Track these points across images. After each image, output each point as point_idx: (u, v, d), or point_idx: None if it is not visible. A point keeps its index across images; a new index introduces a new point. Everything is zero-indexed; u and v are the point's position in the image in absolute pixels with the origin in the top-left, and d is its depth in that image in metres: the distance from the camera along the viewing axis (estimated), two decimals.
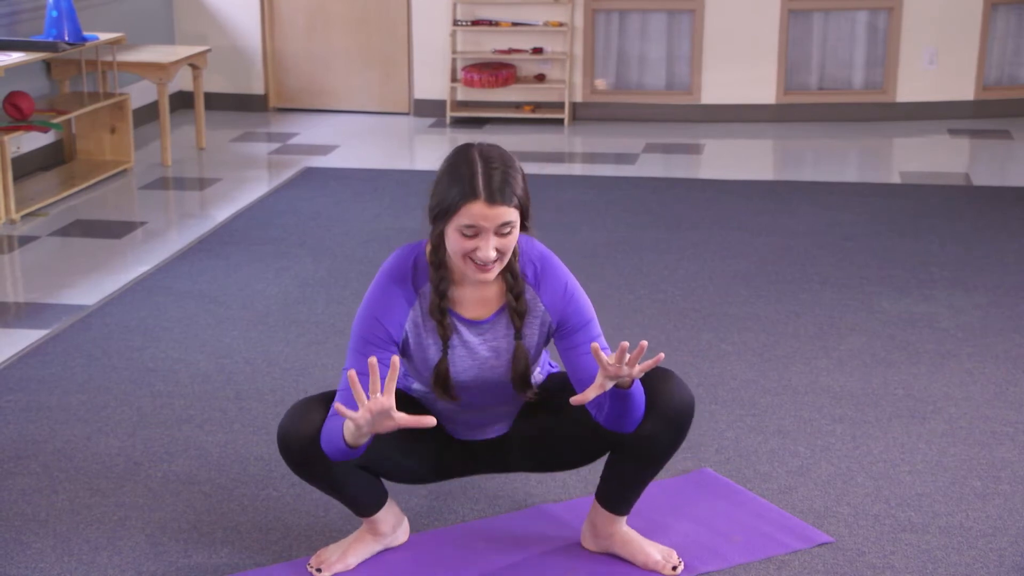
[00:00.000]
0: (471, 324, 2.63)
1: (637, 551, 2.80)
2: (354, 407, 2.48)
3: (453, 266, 2.59)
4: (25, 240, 5.40)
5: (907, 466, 3.28)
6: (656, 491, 3.04)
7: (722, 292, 4.62)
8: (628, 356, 2.39)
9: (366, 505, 2.79)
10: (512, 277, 2.61)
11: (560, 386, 2.75)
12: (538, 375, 2.80)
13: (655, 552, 2.79)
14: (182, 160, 6.86)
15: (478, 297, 2.63)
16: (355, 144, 7.27)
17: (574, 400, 2.46)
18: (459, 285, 2.62)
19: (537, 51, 7.70)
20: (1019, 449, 3.38)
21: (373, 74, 8.05)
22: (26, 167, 6.33)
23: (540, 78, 7.77)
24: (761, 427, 3.50)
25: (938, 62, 7.68)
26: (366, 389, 2.48)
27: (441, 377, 2.64)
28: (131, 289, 4.70)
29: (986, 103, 7.76)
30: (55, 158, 6.62)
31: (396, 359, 2.37)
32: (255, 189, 6.23)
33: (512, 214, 2.50)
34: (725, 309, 4.44)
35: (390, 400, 2.36)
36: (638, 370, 2.42)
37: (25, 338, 4.22)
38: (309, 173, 6.50)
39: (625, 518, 2.81)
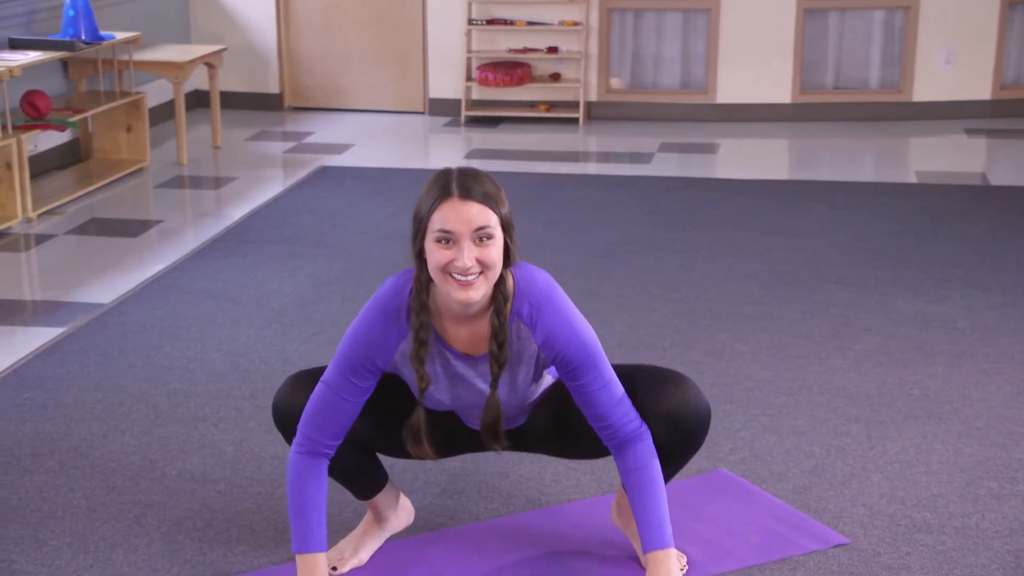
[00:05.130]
0: (464, 358, 2.57)
1: None
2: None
3: (443, 303, 2.50)
4: (42, 238, 5.42)
5: (923, 467, 3.27)
6: (672, 492, 3.02)
7: (736, 292, 4.61)
8: None
9: (363, 488, 2.79)
10: (499, 322, 2.48)
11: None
12: (548, 378, 2.74)
13: None
14: (198, 159, 6.88)
15: (471, 334, 2.55)
16: (370, 143, 7.28)
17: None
18: (453, 321, 2.54)
19: (552, 50, 7.70)
20: None
21: (388, 73, 8.05)
22: (43, 166, 6.36)
23: (555, 77, 7.76)
24: (776, 427, 3.50)
25: (955, 61, 7.66)
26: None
27: (414, 431, 2.59)
28: (147, 288, 4.71)
29: (1003, 103, 7.73)
30: (72, 157, 6.65)
31: None
32: (270, 188, 6.24)
33: (489, 217, 2.40)
34: (739, 309, 4.44)
35: None
36: None
37: (41, 336, 4.24)
38: (324, 172, 6.51)
39: None
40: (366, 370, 2.54)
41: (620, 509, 2.87)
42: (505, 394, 2.60)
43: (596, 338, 2.56)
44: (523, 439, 2.78)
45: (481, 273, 2.41)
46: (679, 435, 2.62)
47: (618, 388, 2.57)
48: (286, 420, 2.66)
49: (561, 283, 2.64)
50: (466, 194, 2.40)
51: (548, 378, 2.74)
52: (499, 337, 2.49)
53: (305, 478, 2.57)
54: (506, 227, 2.45)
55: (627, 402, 2.58)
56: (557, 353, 2.52)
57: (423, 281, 2.48)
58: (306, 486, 2.56)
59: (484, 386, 2.58)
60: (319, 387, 2.57)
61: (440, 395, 2.61)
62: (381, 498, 2.82)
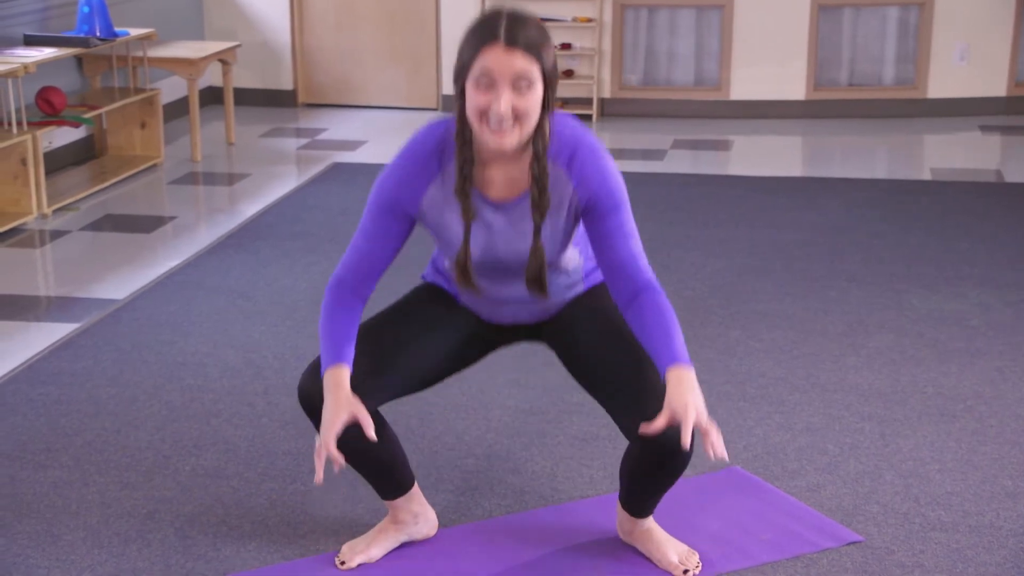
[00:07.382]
0: (495, 205, 2.54)
1: (654, 549, 2.78)
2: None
3: (479, 143, 2.48)
4: (56, 235, 5.44)
5: (937, 464, 3.26)
6: (685, 489, 3.03)
7: (750, 289, 4.61)
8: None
9: (387, 486, 2.78)
10: (539, 167, 2.47)
11: (603, 303, 2.67)
12: (578, 259, 2.68)
13: (672, 553, 2.77)
14: (212, 155, 6.89)
15: (505, 177, 2.53)
16: (383, 139, 7.28)
17: (642, 431, 2.44)
18: (487, 164, 2.52)
19: (566, 47, 7.69)
20: None
21: (401, 70, 8.06)
22: (57, 162, 6.38)
23: (568, 74, 7.76)
24: (789, 425, 3.49)
25: (969, 58, 7.63)
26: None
27: (461, 265, 2.56)
28: (161, 284, 4.73)
29: (1018, 99, 7.70)
30: (86, 153, 6.67)
31: (341, 463, 2.45)
32: (284, 184, 6.25)
33: (531, 67, 2.37)
34: (753, 306, 4.43)
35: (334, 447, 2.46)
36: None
37: (56, 332, 4.25)
38: (337, 168, 6.52)
39: (646, 519, 2.80)
40: (392, 212, 2.53)
41: (620, 524, 2.86)
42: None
43: (625, 187, 2.54)
44: (561, 331, 2.73)
45: (516, 122, 2.41)
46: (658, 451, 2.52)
47: (639, 245, 2.54)
48: (313, 403, 2.60)
49: None
50: (512, 42, 2.38)
51: (574, 254, 2.68)
52: (540, 183, 2.48)
53: (335, 308, 2.55)
54: (548, 78, 2.43)
55: (645, 259, 2.54)
56: (591, 194, 2.49)
57: (465, 118, 2.46)
58: (336, 314, 2.55)
59: (513, 235, 2.55)
60: (349, 247, 2.60)
61: (474, 245, 2.57)
62: (403, 501, 2.82)
